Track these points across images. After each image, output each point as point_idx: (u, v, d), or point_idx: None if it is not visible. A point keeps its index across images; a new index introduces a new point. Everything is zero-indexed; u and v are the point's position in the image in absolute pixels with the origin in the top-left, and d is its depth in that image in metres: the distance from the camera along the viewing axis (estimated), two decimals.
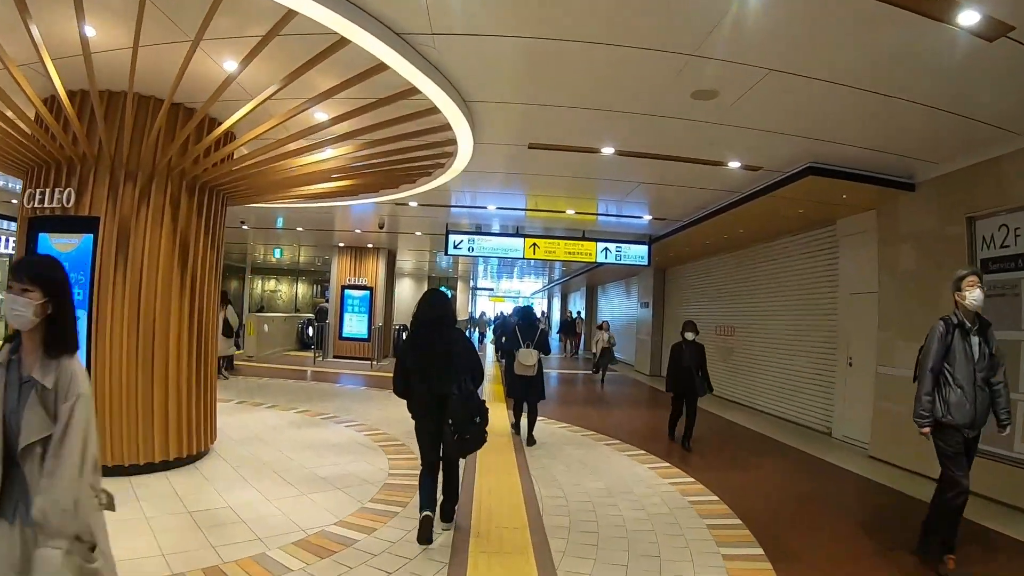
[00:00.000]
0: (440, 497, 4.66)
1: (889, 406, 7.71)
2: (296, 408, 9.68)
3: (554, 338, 26.97)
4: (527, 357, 7.87)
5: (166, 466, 5.95)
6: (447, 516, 4.72)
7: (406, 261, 23.19)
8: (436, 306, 4.61)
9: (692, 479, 6.55)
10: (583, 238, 12.39)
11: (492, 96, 5.54)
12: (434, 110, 5.36)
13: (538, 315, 26.07)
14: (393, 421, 8.81)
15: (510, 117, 6.09)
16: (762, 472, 7.31)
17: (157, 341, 5.89)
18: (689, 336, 8.44)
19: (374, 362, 16.38)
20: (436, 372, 4.39)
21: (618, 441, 8.36)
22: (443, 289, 23.20)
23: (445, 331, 4.54)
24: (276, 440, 7.52)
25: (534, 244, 12.06)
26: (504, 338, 9.63)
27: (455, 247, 12.00)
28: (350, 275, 17.92)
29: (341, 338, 17.72)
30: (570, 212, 10.81)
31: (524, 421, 8.09)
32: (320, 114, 5.67)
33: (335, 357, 17.70)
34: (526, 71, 5.02)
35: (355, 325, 17.74)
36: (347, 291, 17.85)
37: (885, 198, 7.94)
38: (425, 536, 4.30)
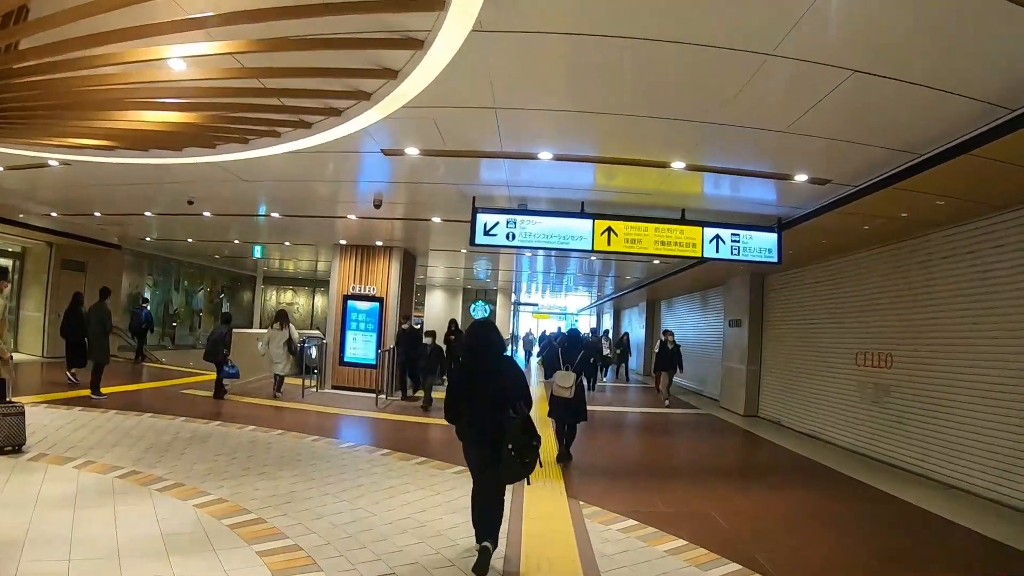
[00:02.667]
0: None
1: None
2: (206, 495, 5.65)
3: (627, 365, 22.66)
4: (564, 379, 7.79)
5: None
6: (488, 534, 4.41)
7: (434, 267, 19.22)
8: (486, 334, 4.69)
9: None
10: (682, 220, 8.10)
11: None
12: None
13: (600, 336, 22.45)
14: (358, 536, 4.74)
15: None
16: None
17: None
18: None
19: (382, 396, 12.25)
20: (488, 399, 4.42)
21: None
22: (480, 303, 19.81)
23: (495, 359, 4.61)
24: None
25: (608, 229, 7.82)
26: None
27: (486, 233, 7.84)
28: (354, 282, 13.92)
29: (342, 363, 13.68)
30: (677, 166, 6.49)
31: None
32: None
33: (334, 387, 13.66)
34: None
35: (360, 347, 13.67)
36: (351, 302, 13.84)
37: None
38: (482, 568, 4.17)
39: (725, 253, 8.11)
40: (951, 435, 7.66)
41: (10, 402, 6.59)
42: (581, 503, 6.05)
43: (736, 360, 14.38)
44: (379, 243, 13.60)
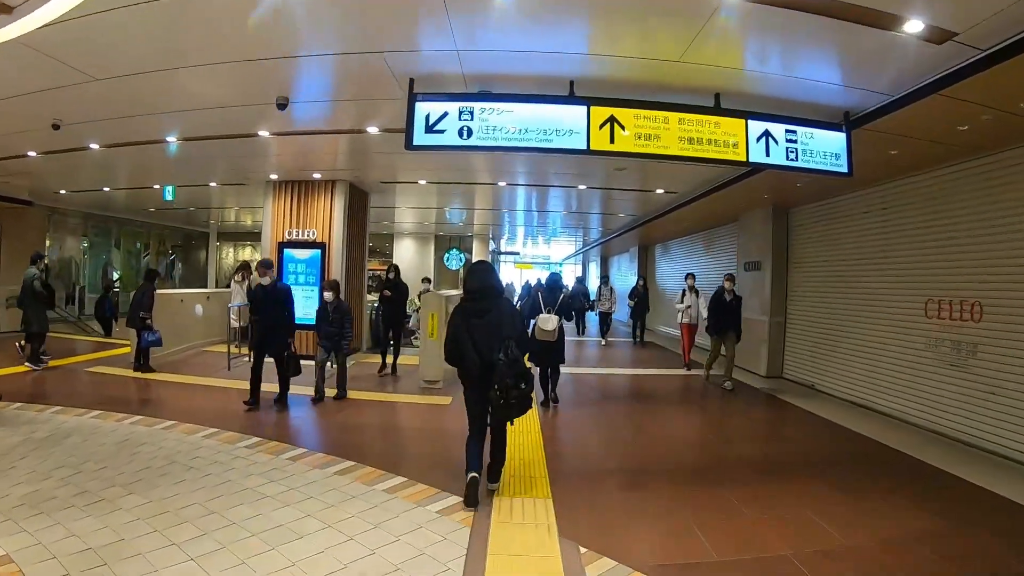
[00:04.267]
0: (488, 460, 4.72)
1: None
2: None
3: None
4: (547, 323, 7.68)
5: None
6: (494, 477, 4.72)
7: (399, 210, 16.62)
8: (483, 276, 4.72)
9: None
10: (717, 109, 5.59)
11: None
12: None
13: (604, 285, 19.98)
14: None
15: None
16: None
17: None
18: None
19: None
20: (484, 340, 4.46)
21: None
22: (455, 251, 16.96)
23: (492, 300, 4.62)
24: None
25: (611, 120, 5.29)
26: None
27: (430, 129, 5.29)
28: (291, 226, 11.32)
29: None
30: None
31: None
32: None
33: None
34: None
35: (299, 304, 11.15)
36: (287, 251, 11.29)
37: None
38: (472, 499, 4.30)
39: (778, 157, 5.65)
40: None
41: None
42: (581, 550, 3.72)
43: (755, 311, 12.04)
44: (317, 176, 10.92)
